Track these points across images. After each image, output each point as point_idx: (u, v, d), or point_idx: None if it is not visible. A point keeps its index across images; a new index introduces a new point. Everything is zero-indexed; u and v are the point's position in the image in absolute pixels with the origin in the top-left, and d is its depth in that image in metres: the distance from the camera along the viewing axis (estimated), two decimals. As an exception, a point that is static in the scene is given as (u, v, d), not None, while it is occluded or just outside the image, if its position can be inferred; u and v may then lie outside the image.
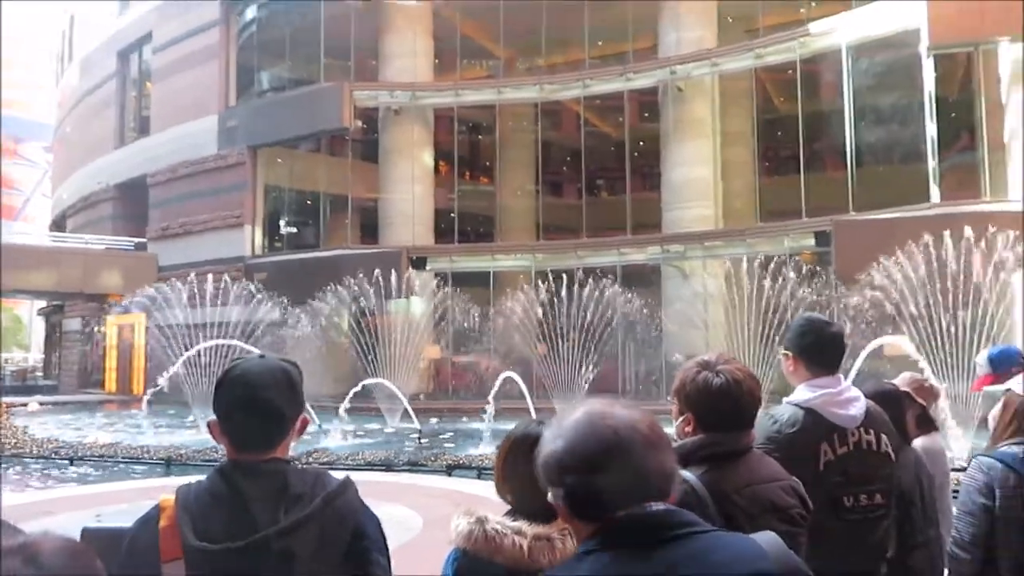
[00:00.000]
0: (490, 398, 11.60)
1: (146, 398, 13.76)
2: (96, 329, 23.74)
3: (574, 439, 1.07)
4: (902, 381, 2.97)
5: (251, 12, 22.78)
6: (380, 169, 20.49)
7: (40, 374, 30.37)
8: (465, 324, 17.64)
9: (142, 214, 23.54)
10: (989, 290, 12.88)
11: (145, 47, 25.75)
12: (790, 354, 2.17)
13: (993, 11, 13.31)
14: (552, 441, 1.09)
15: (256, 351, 1.55)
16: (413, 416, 13.72)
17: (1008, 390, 2.37)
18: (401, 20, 20.77)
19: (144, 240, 23.26)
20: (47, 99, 45.55)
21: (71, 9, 32.65)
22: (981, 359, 3.18)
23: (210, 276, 18.29)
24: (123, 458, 9.57)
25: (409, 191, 19.68)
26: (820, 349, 2.14)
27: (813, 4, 18.39)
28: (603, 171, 23.93)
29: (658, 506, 1.05)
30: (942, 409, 8.86)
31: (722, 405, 1.68)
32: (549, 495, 1.08)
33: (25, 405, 18.28)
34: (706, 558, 1.02)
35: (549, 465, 1.08)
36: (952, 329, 12.05)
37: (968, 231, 12.32)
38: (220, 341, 13.53)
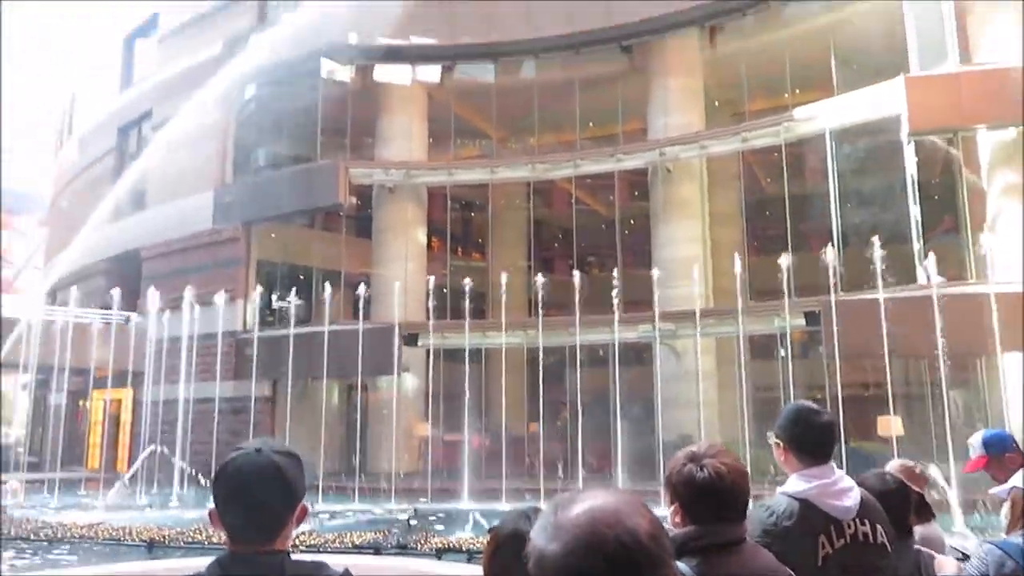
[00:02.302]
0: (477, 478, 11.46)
1: (125, 478, 13.52)
2: (82, 404, 23.43)
3: (573, 545, 0.95)
4: (893, 468, 2.97)
5: (250, 91, 23.31)
6: (373, 245, 20.68)
7: (22, 450, 29.76)
8: (456, 402, 17.53)
9: (135, 288, 23.55)
10: (979, 372, 12.96)
11: (145, 124, 26.26)
12: (780, 443, 2.19)
13: (970, 100, 13.79)
14: (547, 540, 0.97)
15: (253, 443, 1.53)
16: (402, 497, 13.49)
17: (1014, 488, 2.40)
18: (397, 101, 21.33)
19: (135, 314, 23.21)
20: (44, 173, 46.06)
21: (75, 86, 33.39)
22: (975, 441, 3.19)
23: (194, 350, 18.21)
24: (104, 540, 9.34)
25: (402, 267, 19.82)
26: (811, 439, 2.15)
27: (797, 91, 18.98)
28: (594, 249, 24.20)
29: None
30: (944, 491, 8.81)
31: (705, 499, 1.70)
32: None
33: (4, 483, 17.87)
34: None
35: (542, 570, 0.96)
36: (942, 409, 12.07)
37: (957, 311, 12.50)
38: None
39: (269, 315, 22.49)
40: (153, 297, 19.63)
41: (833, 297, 14.90)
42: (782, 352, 15.60)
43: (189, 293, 19.12)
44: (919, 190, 15.11)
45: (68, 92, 34.19)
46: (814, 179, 18.81)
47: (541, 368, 16.60)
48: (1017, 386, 12.79)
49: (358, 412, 17.64)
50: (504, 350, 17.80)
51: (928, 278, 13.79)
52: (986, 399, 13.67)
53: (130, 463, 19.55)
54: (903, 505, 2.57)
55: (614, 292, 16.62)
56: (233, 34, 22.70)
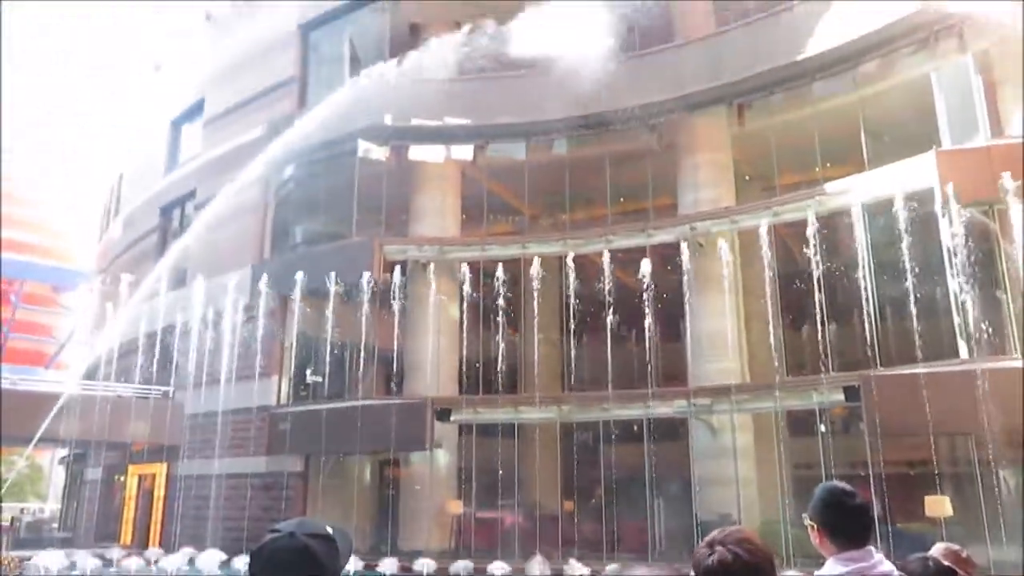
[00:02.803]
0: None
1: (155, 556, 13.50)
2: (117, 478, 23.56)
3: None
4: (938, 552, 2.88)
5: (289, 170, 24.04)
6: (407, 320, 20.84)
7: (56, 525, 29.86)
8: (489, 478, 17.32)
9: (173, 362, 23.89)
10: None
11: (188, 203, 27.11)
12: (815, 526, 2.15)
13: (1002, 173, 13.73)
14: None
15: (288, 525, 1.56)
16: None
17: None
18: (430, 179, 21.83)
19: (172, 388, 23.49)
20: (89, 250, 47.58)
21: (122, 167, 34.72)
22: None
23: (228, 425, 18.31)
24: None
25: (435, 342, 19.91)
26: (844, 523, 2.12)
27: (828, 164, 19.06)
28: (628, 323, 24.09)
29: None
30: None
31: None
32: None
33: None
34: None
35: None
36: (993, 489, 11.66)
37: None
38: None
39: (303, 390, 22.62)
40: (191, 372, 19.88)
41: (873, 372, 14.63)
42: (822, 428, 15.26)
43: (225, 366, 19.35)
44: (957, 263, 14.93)
45: (116, 174, 35.53)
46: (848, 252, 18.71)
47: (575, 444, 16.41)
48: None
49: (390, 488, 17.49)
50: (537, 425, 17.68)
51: (970, 352, 13.51)
52: (1038, 478, 13.18)
53: (162, 540, 19.51)
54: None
55: (648, 366, 16.49)
56: (275, 117, 23.56)
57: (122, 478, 23.29)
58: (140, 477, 22.09)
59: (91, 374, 30.24)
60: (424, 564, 13.95)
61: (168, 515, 19.97)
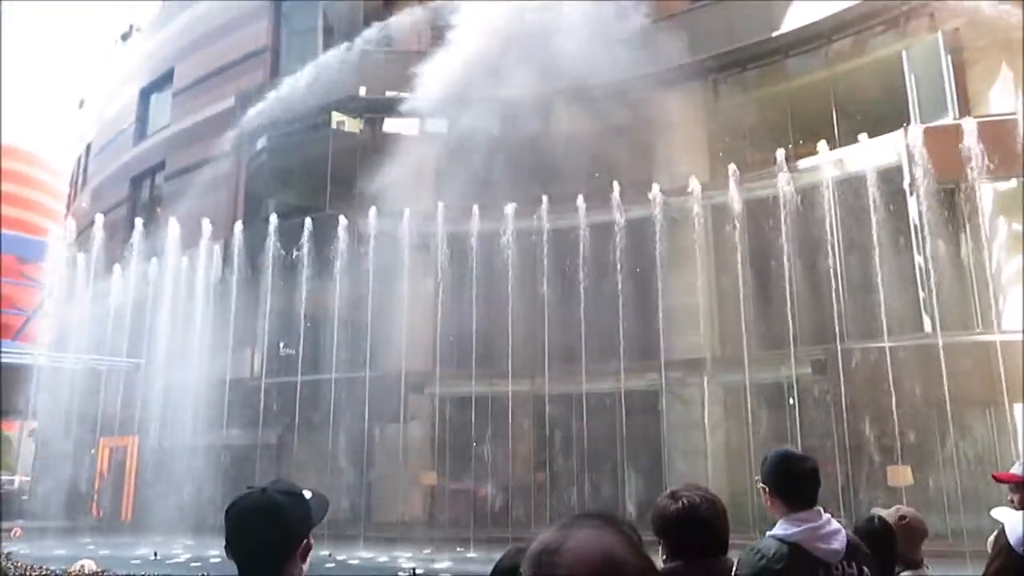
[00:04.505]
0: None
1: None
2: (89, 451, 23.38)
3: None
4: (887, 513, 3.01)
5: (261, 142, 23.74)
6: (381, 293, 20.77)
7: (26, 498, 29.58)
8: (462, 450, 17.46)
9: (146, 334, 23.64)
10: (989, 422, 12.90)
11: (158, 174, 26.70)
12: (767, 489, 2.25)
13: (970, 151, 13.97)
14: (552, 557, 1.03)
15: (266, 483, 1.62)
16: (407, 545, 13.40)
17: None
18: (405, 153, 21.63)
19: (143, 360, 23.28)
20: (56, 222, 46.71)
21: (88, 136, 34.04)
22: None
23: (201, 397, 18.25)
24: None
25: (409, 315, 19.90)
26: (795, 485, 2.21)
27: (800, 141, 19.23)
28: (602, 298, 24.22)
29: None
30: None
31: (679, 530, 1.77)
32: None
33: (9, 530, 17.82)
34: None
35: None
36: (952, 460, 12.00)
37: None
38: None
39: (276, 362, 22.52)
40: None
41: (839, 346, 14.91)
42: (790, 401, 15.55)
43: (198, 338, 19.24)
44: (924, 238, 15.20)
45: (82, 144, 34.84)
46: (818, 228, 18.95)
47: (548, 417, 16.57)
48: (1027, 436, 12.72)
49: (364, 460, 17.57)
50: (511, 398, 17.80)
51: (933, 326, 13.82)
52: (996, 449, 13.57)
53: (134, 511, 19.50)
54: (888, 548, 2.61)
55: (620, 340, 16.66)
56: (246, 87, 23.21)
57: (93, 451, 23.12)
58: (111, 449, 21.95)
59: (60, 346, 29.79)
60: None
61: (140, 488, 19.92)
